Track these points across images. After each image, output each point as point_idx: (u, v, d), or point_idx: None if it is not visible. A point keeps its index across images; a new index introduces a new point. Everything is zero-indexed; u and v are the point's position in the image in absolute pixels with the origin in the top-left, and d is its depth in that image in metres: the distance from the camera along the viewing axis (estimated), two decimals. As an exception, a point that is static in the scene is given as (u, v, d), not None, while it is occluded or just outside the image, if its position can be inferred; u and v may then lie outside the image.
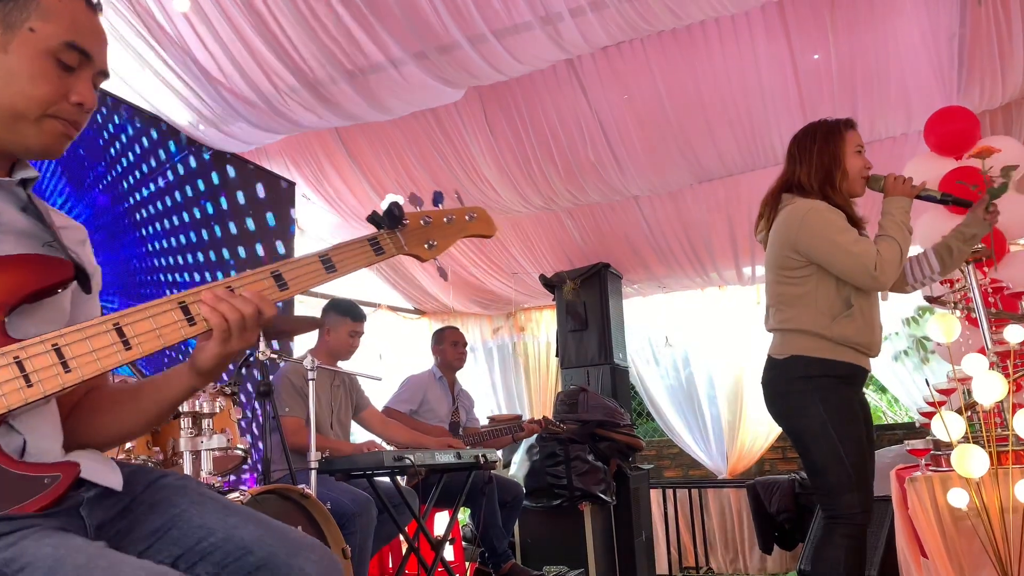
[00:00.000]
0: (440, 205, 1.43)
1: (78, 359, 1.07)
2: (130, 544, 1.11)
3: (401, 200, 1.37)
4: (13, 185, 1.19)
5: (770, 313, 2.54)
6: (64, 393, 1.09)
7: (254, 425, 4.10)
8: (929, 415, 3.08)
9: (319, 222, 5.83)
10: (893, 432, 6.97)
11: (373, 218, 1.35)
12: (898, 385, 6.76)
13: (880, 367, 6.81)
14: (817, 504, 2.59)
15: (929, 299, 3.33)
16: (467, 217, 1.44)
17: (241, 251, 4.69)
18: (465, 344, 4.76)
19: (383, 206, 1.35)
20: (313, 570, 1.11)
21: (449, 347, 4.64)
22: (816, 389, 2.37)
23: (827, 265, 2.39)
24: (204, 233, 4.44)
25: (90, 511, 1.10)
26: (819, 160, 2.46)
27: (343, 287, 5.59)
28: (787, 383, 2.42)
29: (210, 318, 1.14)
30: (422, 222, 1.38)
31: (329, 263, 1.28)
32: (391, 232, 1.35)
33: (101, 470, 1.14)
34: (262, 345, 2.74)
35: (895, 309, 6.62)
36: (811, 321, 2.40)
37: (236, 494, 2.18)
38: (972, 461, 2.32)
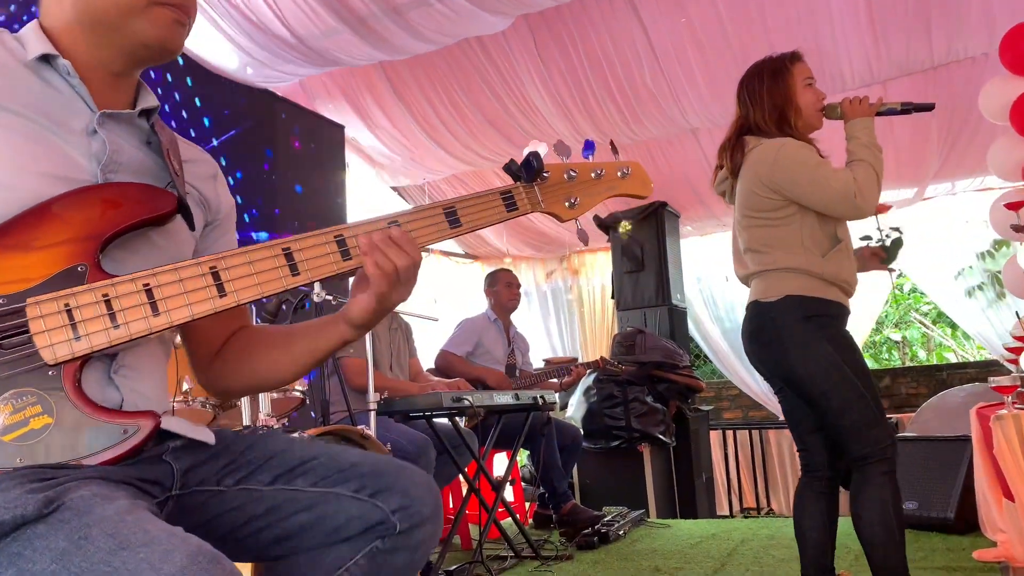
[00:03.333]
0: (590, 156, 1.27)
1: (168, 301, 1.00)
2: (227, 476, 1.08)
3: (544, 150, 1.21)
4: (135, 117, 1.11)
5: (748, 258, 2.38)
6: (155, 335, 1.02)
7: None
8: (1017, 351, 2.91)
9: (366, 162, 5.78)
10: (964, 371, 6.74)
11: (510, 168, 1.21)
12: (969, 322, 6.50)
13: (951, 303, 6.55)
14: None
15: (1016, 227, 3.11)
16: (619, 172, 1.27)
17: (292, 200, 4.67)
18: (519, 285, 4.69)
19: (523, 154, 1.21)
20: (420, 480, 1.10)
21: (504, 288, 4.57)
22: (818, 328, 2.24)
23: (806, 201, 2.26)
24: (255, 179, 4.42)
25: (176, 458, 1.07)
26: (770, 100, 2.33)
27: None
28: (783, 326, 2.26)
29: (368, 267, 1.07)
30: (566, 176, 1.23)
31: (454, 216, 1.15)
32: (528, 186, 1.21)
33: (189, 426, 1.10)
34: (317, 286, 2.70)
35: (969, 243, 6.33)
36: (802, 260, 2.26)
37: (295, 435, 2.16)
38: (1068, 397, 2.17)
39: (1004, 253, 6.29)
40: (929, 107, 2.40)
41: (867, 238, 2.57)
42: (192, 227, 1.11)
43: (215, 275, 1.03)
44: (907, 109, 2.38)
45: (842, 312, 2.32)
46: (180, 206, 1.06)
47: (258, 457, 1.11)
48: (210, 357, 1.23)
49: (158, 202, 1.04)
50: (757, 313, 2.35)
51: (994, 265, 6.29)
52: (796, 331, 2.25)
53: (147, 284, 0.99)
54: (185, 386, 2.09)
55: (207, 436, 1.11)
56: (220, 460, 1.10)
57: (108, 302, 0.97)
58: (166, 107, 3.93)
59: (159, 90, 3.89)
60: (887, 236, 2.54)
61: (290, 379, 1.23)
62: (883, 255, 2.62)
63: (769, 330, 2.31)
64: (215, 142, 4.20)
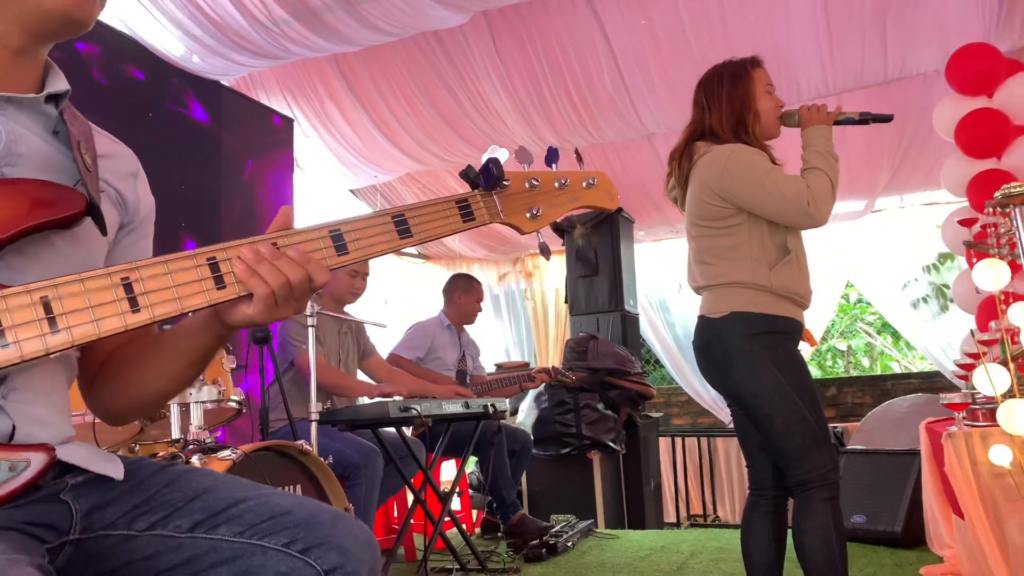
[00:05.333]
0: (555, 165, 1.17)
1: (69, 316, 0.86)
2: (139, 518, 0.95)
3: (505, 156, 1.11)
4: (40, 103, 0.97)
5: (697, 270, 2.32)
6: (49, 357, 0.87)
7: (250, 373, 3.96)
8: (968, 367, 2.92)
9: (318, 161, 5.61)
10: (908, 381, 6.85)
11: (467, 174, 1.11)
12: (914, 333, 6.61)
13: (896, 314, 6.65)
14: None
15: (968, 244, 3.12)
16: (584, 183, 1.18)
17: (238, 194, 4.49)
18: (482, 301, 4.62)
19: (482, 160, 1.10)
20: (360, 534, 0.96)
21: (475, 302, 4.47)
22: (764, 347, 2.17)
23: (757, 209, 2.19)
24: (197, 173, 4.23)
25: (77, 496, 0.94)
26: (729, 104, 2.27)
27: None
28: (729, 344, 2.19)
29: (247, 281, 0.93)
30: (528, 185, 1.13)
31: (404, 226, 1.04)
32: (486, 194, 1.10)
33: (94, 457, 0.96)
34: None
35: (915, 255, 6.44)
36: (748, 273, 2.19)
37: (228, 452, 2.02)
38: (1021, 417, 2.15)
39: (948, 266, 6.42)
40: (887, 118, 2.37)
41: None
42: (104, 232, 0.96)
43: (127, 287, 0.89)
44: (865, 119, 2.34)
45: (792, 327, 2.26)
46: (90, 207, 0.93)
47: (178, 497, 0.97)
48: (91, 377, 1.08)
49: (63, 202, 0.90)
50: (704, 329, 2.29)
51: (939, 278, 6.42)
52: (741, 350, 2.19)
53: (45, 297, 0.85)
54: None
55: (115, 470, 0.97)
56: (132, 499, 0.96)
57: None
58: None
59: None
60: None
61: (165, 391, 1.07)
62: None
63: (715, 347, 2.24)
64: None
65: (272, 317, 0.96)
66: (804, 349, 2.63)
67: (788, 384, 2.16)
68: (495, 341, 7.52)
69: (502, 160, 1.11)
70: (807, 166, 2.25)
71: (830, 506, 2.15)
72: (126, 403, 1.08)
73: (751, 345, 2.18)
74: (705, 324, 2.28)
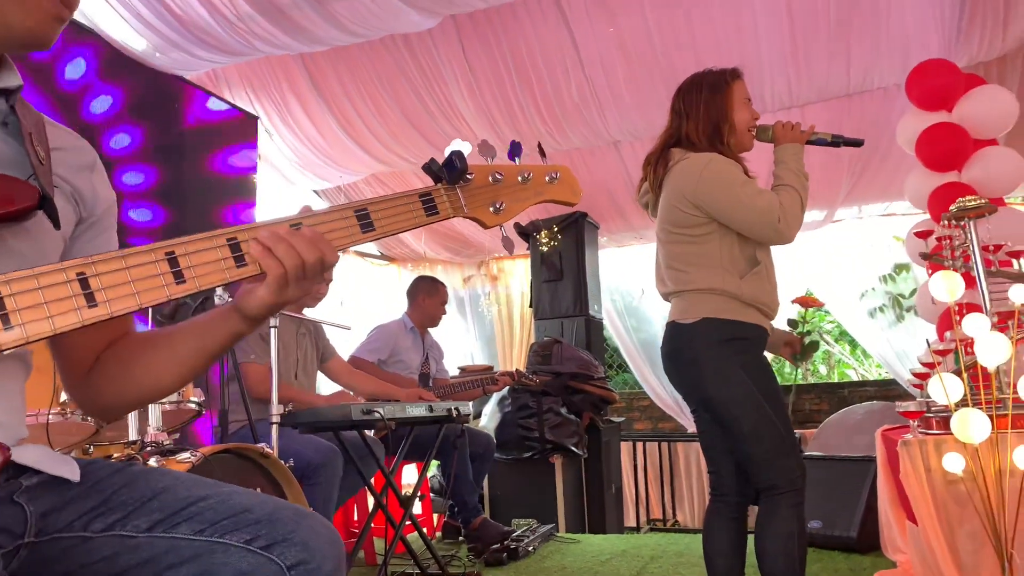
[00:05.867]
0: (518, 159, 1.16)
1: (23, 312, 0.83)
2: (96, 519, 0.93)
3: (468, 149, 1.10)
4: None
5: (667, 276, 2.34)
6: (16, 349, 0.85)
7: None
8: (924, 376, 2.98)
9: (281, 159, 5.54)
10: (864, 389, 6.97)
11: (430, 168, 1.09)
12: (871, 341, 6.73)
13: (854, 323, 6.78)
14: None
15: (924, 255, 3.19)
16: (547, 177, 1.17)
17: (198, 190, 4.41)
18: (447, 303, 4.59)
19: (445, 153, 1.09)
20: (322, 531, 0.96)
21: (439, 305, 4.44)
22: (734, 353, 2.20)
23: (728, 220, 2.22)
24: (157, 168, 4.15)
25: (31, 498, 0.92)
26: (706, 114, 2.30)
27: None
28: (700, 349, 2.21)
29: (262, 260, 0.95)
30: (491, 179, 1.12)
31: (367, 219, 1.03)
32: (450, 188, 1.09)
33: (49, 458, 0.94)
34: (219, 289, 2.51)
35: (871, 266, 6.57)
36: (720, 280, 2.22)
37: (187, 454, 1.98)
38: (973, 426, 2.20)
39: (904, 277, 6.56)
40: (858, 143, 2.43)
41: (794, 324, 2.57)
42: (57, 225, 0.94)
43: (83, 282, 0.87)
44: (836, 142, 2.40)
45: (760, 335, 2.29)
46: (42, 200, 0.90)
47: (135, 498, 0.95)
48: (84, 373, 1.07)
49: (13, 196, 0.88)
50: (674, 335, 2.30)
51: (895, 288, 6.55)
52: (712, 355, 2.21)
53: None
54: (64, 396, 1.88)
55: (71, 471, 0.95)
56: (88, 500, 0.94)
57: None
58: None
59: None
60: (808, 333, 2.52)
61: (177, 385, 1.08)
62: (797, 350, 2.62)
63: (686, 352, 2.26)
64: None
65: (284, 297, 0.98)
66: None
67: (758, 389, 2.19)
68: (459, 344, 7.49)
69: (465, 153, 1.10)
70: (779, 183, 2.28)
71: (795, 512, 2.17)
72: (129, 398, 1.09)
73: (722, 351, 2.20)
74: (675, 329, 2.29)
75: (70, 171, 1.04)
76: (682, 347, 2.27)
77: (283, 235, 0.95)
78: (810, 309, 6.29)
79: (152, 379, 1.05)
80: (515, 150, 1.18)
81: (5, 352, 0.84)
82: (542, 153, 1.25)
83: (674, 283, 2.31)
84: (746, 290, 2.24)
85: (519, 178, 1.16)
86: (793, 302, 4.34)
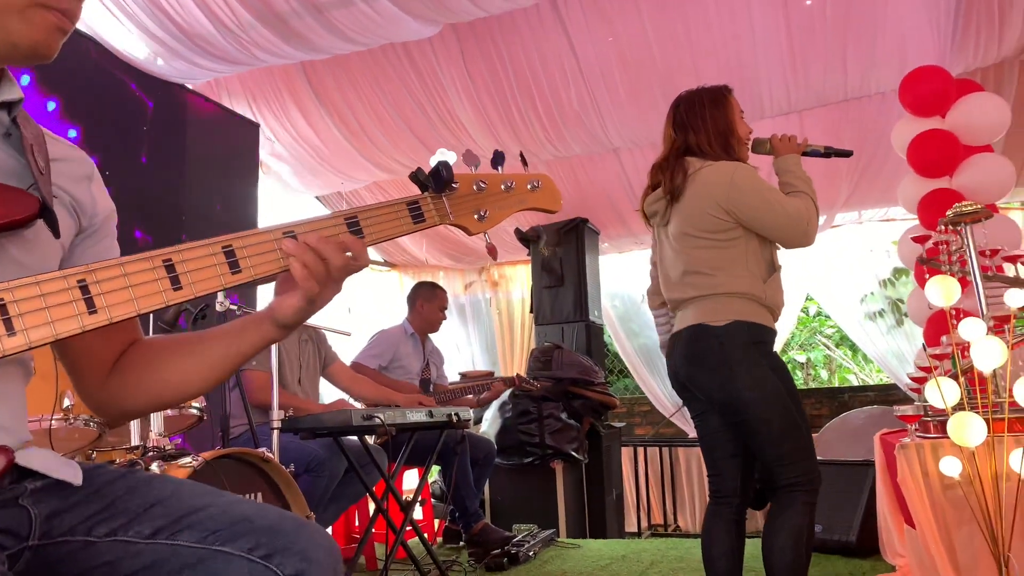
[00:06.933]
0: (500, 168, 1.20)
1: (25, 318, 0.85)
2: (100, 524, 0.95)
3: (453, 158, 1.14)
4: None
5: (689, 281, 2.35)
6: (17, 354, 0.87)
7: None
8: (921, 380, 2.99)
9: (281, 166, 5.57)
10: (865, 394, 6.98)
11: (417, 177, 1.13)
12: (871, 346, 6.74)
13: (854, 327, 6.79)
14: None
15: (922, 261, 3.21)
16: (529, 185, 1.21)
17: (202, 197, 4.44)
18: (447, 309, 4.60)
19: (431, 163, 1.13)
20: (322, 541, 0.98)
21: (438, 310, 4.45)
22: (763, 355, 2.25)
23: (759, 225, 2.27)
24: (161, 176, 4.18)
25: (36, 501, 0.94)
26: (714, 125, 2.37)
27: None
28: (732, 351, 2.24)
29: (294, 268, 0.98)
30: (475, 187, 1.16)
31: (356, 227, 1.06)
32: (436, 196, 1.13)
33: (54, 462, 0.96)
34: (220, 295, 2.54)
35: (872, 270, 6.58)
36: (748, 284, 2.27)
37: (188, 459, 2.00)
38: (970, 429, 2.22)
39: (903, 281, 6.57)
40: (847, 154, 2.53)
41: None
42: (56, 234, 0.96)
43: (83, 289, 0.89)
44: (828, 153, 2.51)
45: (774, 337, 2.36)
46: (43, 209, 0.93)
47: (138, 504, 0.97)
48: (103, 376, 1.09)
49: (15, 205, 0.90)
50: (701, 336, 2.30)
51: (894, 292, 6.56)
52: (744, 356, 2.24)
53: (1, 299, 0.85)
54: (67, 402, 1.90)
55: (74, 475, 0.97)
56: (92, 505, 0.96)
57: None
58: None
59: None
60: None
61: (205, 388, 1.11)
62: None
63: (716, 354, 2.27)
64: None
65: (321, 300, 1.01)
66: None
67: (785, 391, 2.24)
68: (459, 350, 7.51)
69: (450, 162, 1.14)
70: (793, 190, 2.33)
71: (808, 510, 2.21)
72: (151, 402, 1.11)
73: (751, 352, 2.24)
74: (702, 331, 2.29)
75: (69, 182, 1.06)
76: (711, 348, 2.27)
77: (312, 244, 0.98)
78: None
79: (182, 382, 1.08)
80: (498, 159, 1.22)
81: (7, 357, 0.86)
82: (524, 162, 1.29)
83: (696, 288, 2.32)
84: (768, 294, 2.29)
85: (502, 186, 1.20)
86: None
